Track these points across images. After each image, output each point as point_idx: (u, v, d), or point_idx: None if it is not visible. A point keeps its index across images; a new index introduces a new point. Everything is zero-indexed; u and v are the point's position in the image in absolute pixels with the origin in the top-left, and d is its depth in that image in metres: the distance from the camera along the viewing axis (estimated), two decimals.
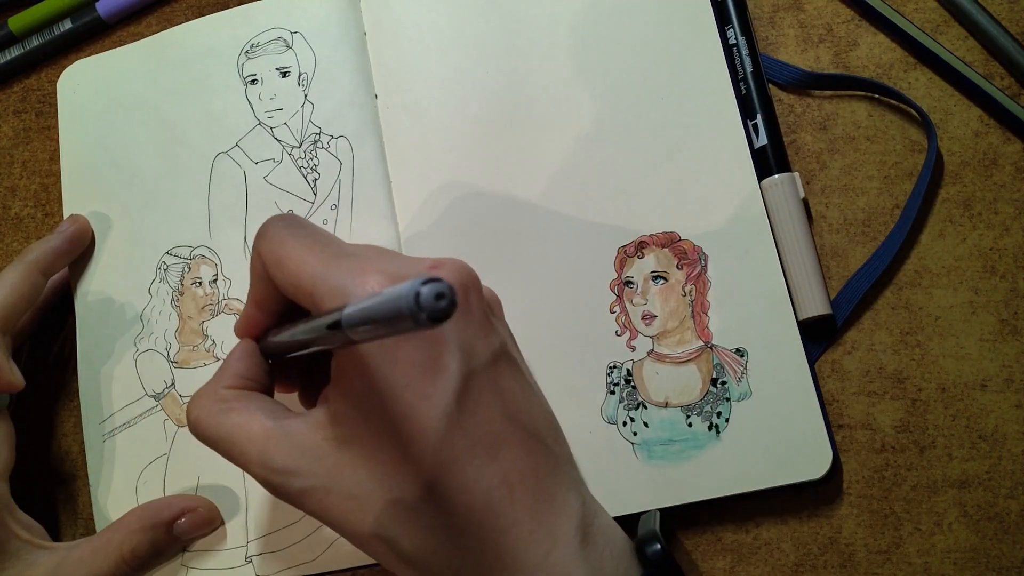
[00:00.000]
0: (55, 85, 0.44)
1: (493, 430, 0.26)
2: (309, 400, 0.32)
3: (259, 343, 0.30)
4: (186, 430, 0.36)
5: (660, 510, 0.32)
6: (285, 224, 0.28)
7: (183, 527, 0.35)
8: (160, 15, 0.44)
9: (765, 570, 0.34)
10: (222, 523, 0.36)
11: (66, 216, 0.40)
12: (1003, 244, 0.34)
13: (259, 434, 0.26)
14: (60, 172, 0.42)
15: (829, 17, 0.38)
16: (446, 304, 0.17)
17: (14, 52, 0.44)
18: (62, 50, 0.44)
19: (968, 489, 0.33)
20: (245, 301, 0.30)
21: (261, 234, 0.28)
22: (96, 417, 0.39)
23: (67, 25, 0.44)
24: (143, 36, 0.43)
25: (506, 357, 0.27)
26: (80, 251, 0.39)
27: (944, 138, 0.36)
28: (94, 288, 0.40)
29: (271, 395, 0.30)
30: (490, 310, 0.28)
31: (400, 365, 0.24)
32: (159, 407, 0.38)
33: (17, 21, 0.44)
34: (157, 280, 0.39)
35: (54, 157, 0.43)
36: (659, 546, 0.27)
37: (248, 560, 0.36)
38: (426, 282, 0.17)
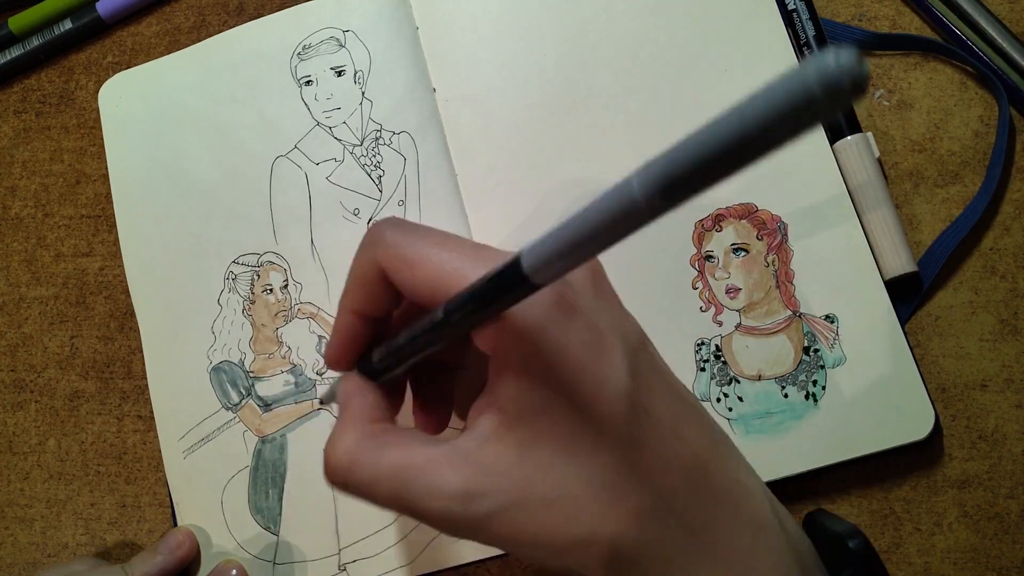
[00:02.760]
0: (55, 85, 0.44)
1: (671, 408, 0.24)
2: (431, 425, 0.29)
3: (360, 367, 0.27)
4: (266, 441, 0.36)
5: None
6: (402, 227, 0.25)
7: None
8: (160, 15, 0.44)
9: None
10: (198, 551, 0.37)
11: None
12: (1003, 244, 0.34)
13: (425, 463, 0.23)
14: (59, 173, 0.42)
15: None
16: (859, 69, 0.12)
17: (14, 52, 0.44)
18: (62, 50, 0.44)
19: (968, 489, 0.33)
20: (334, 317, 0.27)
21: (375, 241, 0.25)
22: (174, 434, 0.38)
23: (67, 25, 0.44)
24: (143, 36, 0.43)
25: (646, 337, 0.26)
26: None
27: (944, 138, 0.36)
28: (159, 305, 0.39)
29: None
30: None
31: (573, 350, 0.22)
32: (236, 419, 0.37)
33: (17, 21, 0.44)
34: (226, 291, 0.39)
35: (54, 157, 0.43)
36: (860, 539, 0.26)
37: (342, 569, 0.35)
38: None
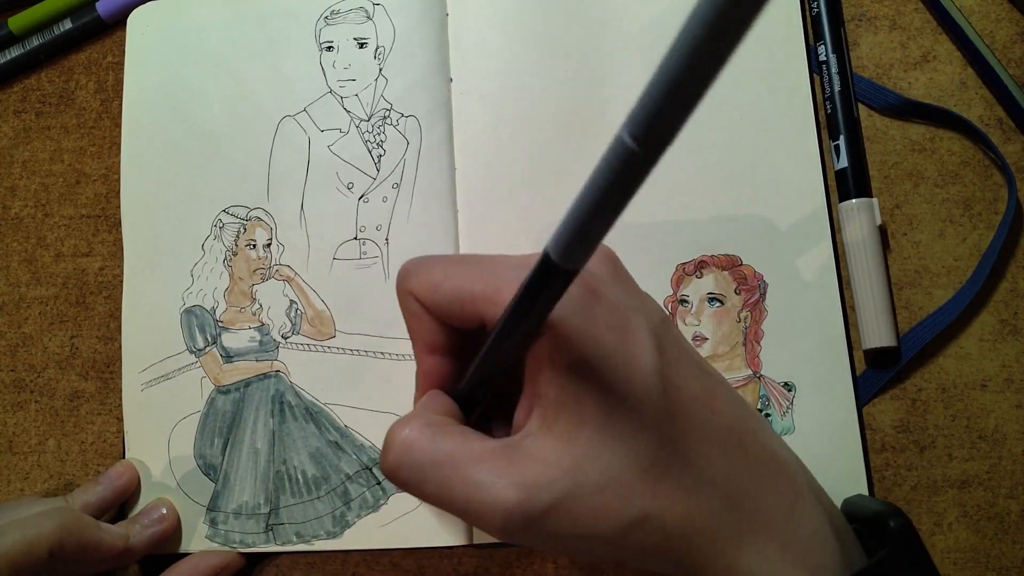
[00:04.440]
0: (55, 85, 0.44)
1: (700, 384, 0.25)
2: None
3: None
4: (221, 391, 0.37)
5: None
6: (422, 259, 0.26)
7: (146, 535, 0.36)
8: None
9: None
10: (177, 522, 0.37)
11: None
12: (1003, 243, 0.34)
13: (484, 453, 0.23)
14: (59, 173, 0.42)
15: None
16: None
17: (14, 52, 0.44)
18: (62, 50, 0.44)
19: (968, 489, 0.33)
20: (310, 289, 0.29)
21: (404, 275, 0.26)
22: (136, 365, 0.39)
23: (67, 25, 0.44)
24: None
25: (668, 318, 0.26)
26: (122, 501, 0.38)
27: (944, 138, 0.36)
28: (146, 236, 0.40)
29: None
30: None
31: (602, 335, 0.23)
32: (198, 364, 0.38)
33: (17, 21, 0.44)
34: (212, 237, 0.39)
35: (54, 157, 0.43)
36: (904, 519, 0.26)
37: (268, 528, 0.36)
38: None
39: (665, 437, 0.23)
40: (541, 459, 0.23)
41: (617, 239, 0.35)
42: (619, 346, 0.23)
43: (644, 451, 0.23)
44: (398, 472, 0.23)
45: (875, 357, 0.34)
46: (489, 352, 0.24)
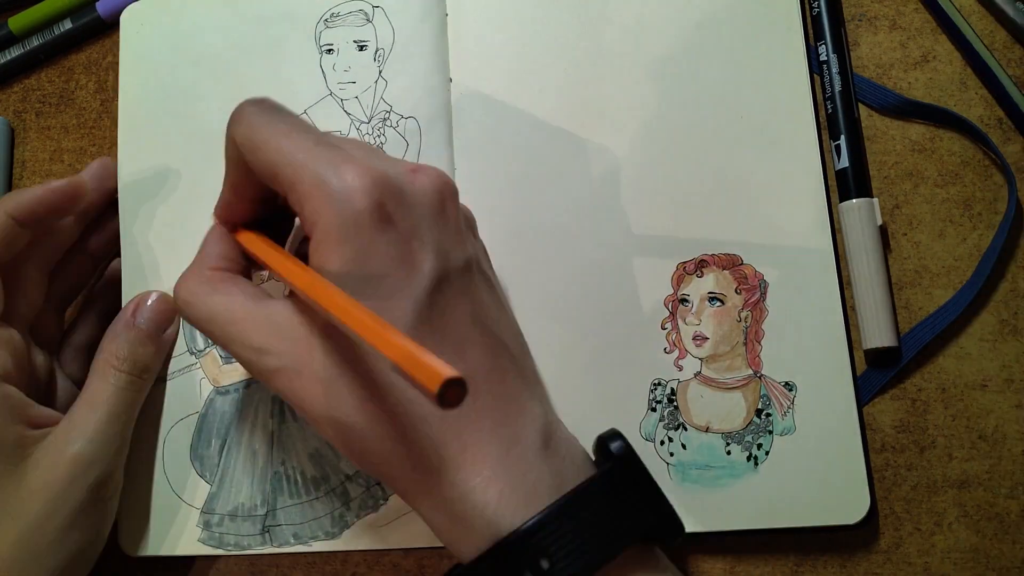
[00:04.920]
0: (55, 85, 0.44)
1: (461, 331, 0.27)
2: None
3: (236, 234, 0.31)
4: (220, 392, 0.37)
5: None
6: (260, 109, 0.28)
7: (145, 316, 0.36)
8: None
9: (765, 570, 0.34)
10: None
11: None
12: (1003, 244, 0.34)
13: (240, 315, 0.28)
14: (59, 173, 0.42)
15: None
16: None
17: (14, 52, 0.44)
18: (62, 50, 0.44)
19: (968, 489, 0.33)
20: (222, 185, 0.31)
21: (235, 119, 0.28)
22: None
23: (67, 25, 0.44)
24: None
25: (478, 268, 0.28)
26: (77, 204, 0.36)
27: (944, 137, 0.36)
28: (145, 239, 0.39)
29: (249, 277, 0.31)
30: (471, 223, 0.30)
31: (373, 259, 0.25)
32: (198, 364, 0.38)
33: (17, 21, 0.44)
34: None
35: (54, 157, 0.43)
36: (621, 441, 0.27)
37: (266, 530, 0.36)
38: None
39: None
40: (282, 331, 0.27)
41: (618, 237, 0.36)
42: (391, 274, 0.25)
43: (364, 374, 0.25)
44: (186, 319, 0.29)
45: (875, 357, 0.34)
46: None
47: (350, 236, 0.25)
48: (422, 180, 0.27)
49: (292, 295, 0.28)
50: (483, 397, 0.26)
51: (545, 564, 0.24)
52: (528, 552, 0.24)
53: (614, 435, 0.28)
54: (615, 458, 0.27)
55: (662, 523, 0.27)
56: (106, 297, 0.40)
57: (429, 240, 0.26)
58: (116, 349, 0.34)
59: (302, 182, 0.26)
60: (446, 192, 0.28)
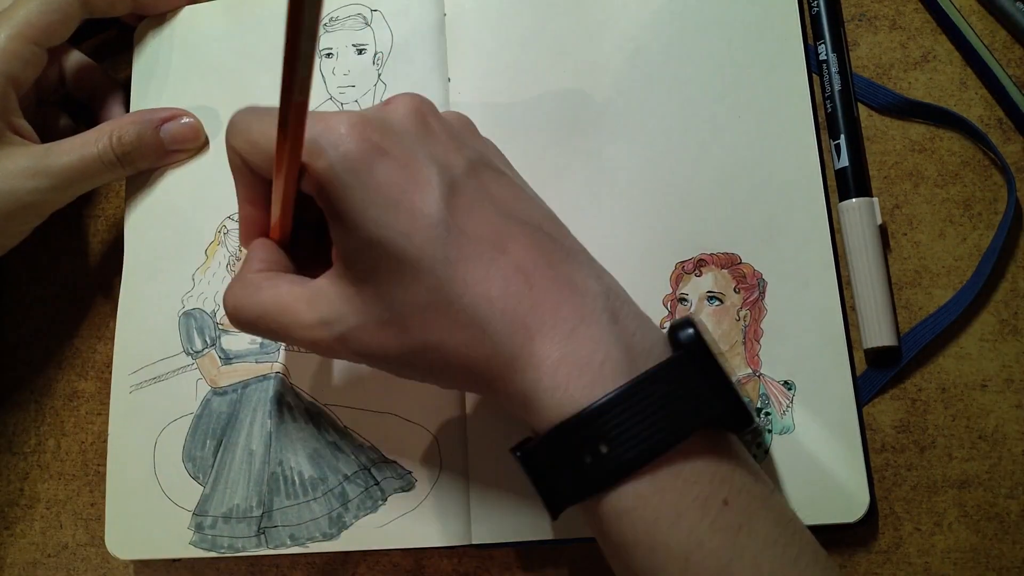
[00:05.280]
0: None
1: (493, 227, 0.27)
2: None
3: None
4: (217, 393, 0.37)
5: None
6: (248, 112, 0.29)
7: (170, 130, 0.39)
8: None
9: None
10: (207, 142, 0.40)
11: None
12: (1003, 244, 0.34)
13: (290, 301, 0.28)
14: None
15: None
16: None
17: None
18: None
19: (968, 489, 0.33)
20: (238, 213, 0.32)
21: (229, 130, 0.29)
22: (128, 366, 0.38)
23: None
24: None
25: (485, 165, 0.29)
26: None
27: (944, 137, 0.36)
28: (148, 239, 0.40)
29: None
30: (463, 127, 0.31)
31: (382, 190, 0.26)
32: (194, 365, 0.38)
33: None
34: (215, 243, 0.39)
35: None
36: (692, 330, 0.27)
37: (261, 531, 0.36)
38: None
39: (443, 280, 0.26)
40: (335, 299, 0.28)
41: (616, 237, 0.36)
42: (403, 200, 0.26)
43: (423, 294, 0.26)
44: (241, 329, 0.30)
45: (876, 357, 0.34)
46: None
47: (353, 178, 0.26)
48: (396, 107, 0.28)
49: (331, 272, 0.29)
50: (538, 283, 0.26)
51: (604, 449, 0.24)
52: (588, 436, 0.24)
53: (684, 323, 0.27)
54: (683, 346, 0.26)
55: (729, 412, 0.26)
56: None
57: (424, 155, 0.27)
58: (124, 130, 0.37)
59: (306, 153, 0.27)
60: (424, 108, 0.29)
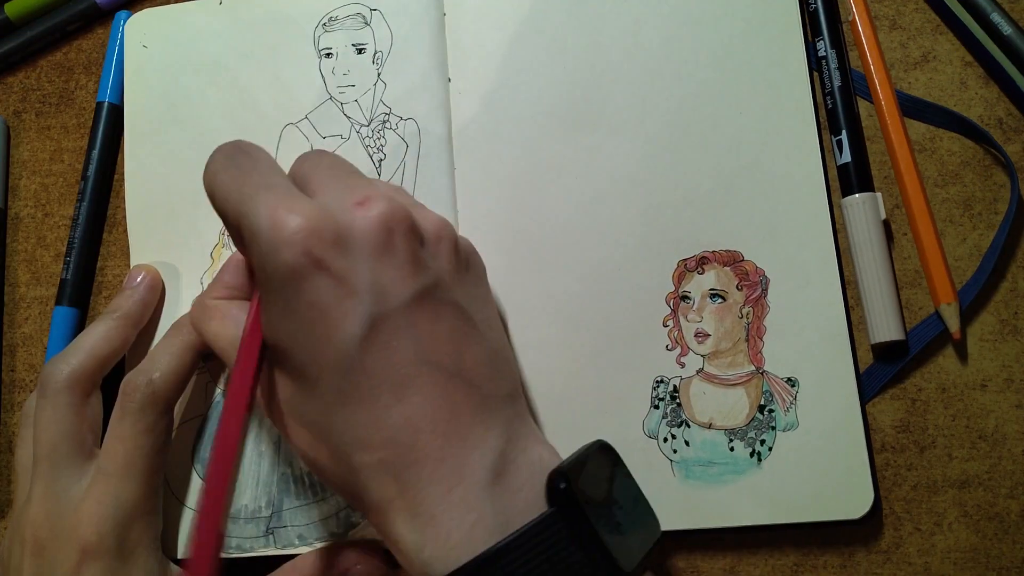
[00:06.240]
0: (55, 85, 0.44)
1: (402, 371, 0.26)
2: None
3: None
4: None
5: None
6: (223, 154, 0.28)
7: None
8: (154, 2, 0.44)
9: (765, 569, 0.34)
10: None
11: (127, 207, 0.40)
12: (1004, 243, 0.34)
13: (227, 342, 0.30)
14: (59, 173, 0.42)
15: None
16: None
17: (11, 42, 0.44)
18: (61, 38, 0.44)
19: (968, 489, 0.33)
20: None
21: (206, 166, 0.29)
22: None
23: (64, 14, 0.44)
24: None
25: (433, 297, 0.27)
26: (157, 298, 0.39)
27: (944, 137, 0.36)
28: (152, 247, 0.39)
29: None
30: (437, 244, 0.28)
31: (302, 310, 0.25)
32: (205, 368, 0.38)
33: (13, 7, 0.44)
34: (220, 246, 0.39)
35: (54, 157, 0.43)
36: (564, 485, 0.26)
37: (269, 531, 0.36)
38: None
39: (331, 412, 0.26)
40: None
41: (619, 234, 0.36)
42: (323, 319, 0.25)
43: (312, 413, 0.27)
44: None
45: (883, 351, 0.34)
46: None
47: (277, 290, 0.25)
48: (365, 215, 0.26)
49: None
50: (424, 438, 0.26)
51: None
52: None
53: (559, 475, 0.26)
54: (556, 500, 0.26)
55: (601, 571, 0.25)
56: None
57: (365, 280, 0.25)
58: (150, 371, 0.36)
59: (241, 232, 0.27)
60: (393, 224, 0.26)
